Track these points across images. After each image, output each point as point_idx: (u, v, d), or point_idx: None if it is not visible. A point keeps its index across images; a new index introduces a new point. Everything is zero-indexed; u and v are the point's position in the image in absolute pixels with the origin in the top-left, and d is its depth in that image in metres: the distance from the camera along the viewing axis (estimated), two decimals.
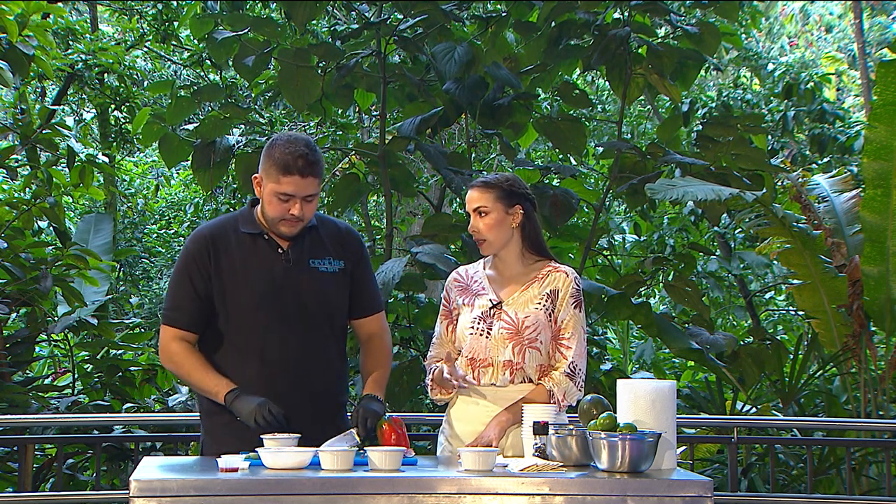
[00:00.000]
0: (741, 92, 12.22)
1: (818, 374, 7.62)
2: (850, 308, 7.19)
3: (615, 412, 3.25)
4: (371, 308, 3.80)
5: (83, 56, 9.12)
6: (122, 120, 10.07)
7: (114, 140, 10.21)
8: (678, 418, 3.53)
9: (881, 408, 7.14)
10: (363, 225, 9.89)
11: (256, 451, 3.13)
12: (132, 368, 6.77)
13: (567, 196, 6.46)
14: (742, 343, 7.44)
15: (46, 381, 7.28)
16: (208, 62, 9.29)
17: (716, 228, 9.18)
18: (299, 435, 3.30)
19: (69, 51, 9.23)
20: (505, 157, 8.48)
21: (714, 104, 11.26)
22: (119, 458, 6.24)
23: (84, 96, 10.40)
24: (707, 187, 6.12)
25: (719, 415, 7.18)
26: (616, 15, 6.95)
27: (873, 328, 7.40)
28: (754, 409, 7.31)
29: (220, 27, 6.83)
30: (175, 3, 9.75)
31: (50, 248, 6.81)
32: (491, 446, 3.49)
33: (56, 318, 6.70)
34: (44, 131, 6.87)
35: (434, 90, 6.86)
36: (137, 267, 13.44)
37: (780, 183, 8.41)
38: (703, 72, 9.60)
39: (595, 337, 8.35)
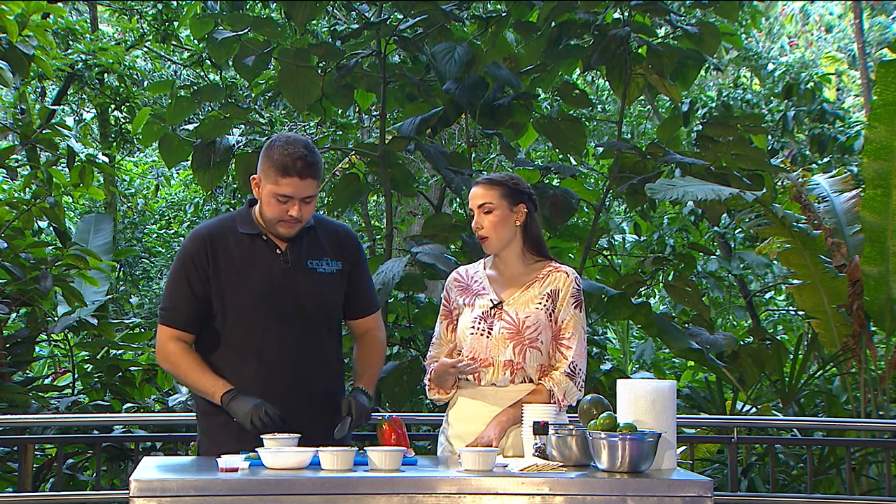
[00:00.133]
0: (741, 92, 12.23)
1: (818, 374, 7.62)
2: (850, 308, 7.19)
3: (615, 412, 3.25)
4: (368, 309, 3.82)
5: (83, 56, 9.12)
6: (122, 120, 10.07)
7: (114, 140, 10.21)
8: (678, 418, 3.53)
9: (881, 408, 7.14)
10: (363, 225, 9.89)
11: (256, 451, 3.13)
12: (132, 368, 6.77)
13: (567, 196, 6.46)
14: (742, 343, 7.44)
15: (46, 381, 7.28)
16: (208, 62, 9.29)
17: (716, 228, 9.19)
18: (299, 435, 3.30)
19: (69, 51, 9.23)
20: (505, 157, 8.48)
21: (714, 104, 11.27)
22: (119, 458, 6.24)
23: (84, 96, 10.40)
24: (707, 187, 6.12)
25: (719, 415, 7.18)
26: (616, 15, 6.95)
27: (873, 328, 7.40)
28: (754, 409, 7.31)
29: (220, 27, 6.83)
30: (175, 3, 9.75)
31: (50, 248, 6.81)
32: (491, 446, 3.49)
33: (56, 318, 6.70)
34: (44, 131, 6.86)
35: (434, 90, 6.86)
36: (137, 267, 13.44)
37: (780, 183, 8.41)
38: (703, 72, 9.60)
39: (595, 337, 8.36)
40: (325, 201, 8.54)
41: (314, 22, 8.75)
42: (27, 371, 7.68)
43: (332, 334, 3.72)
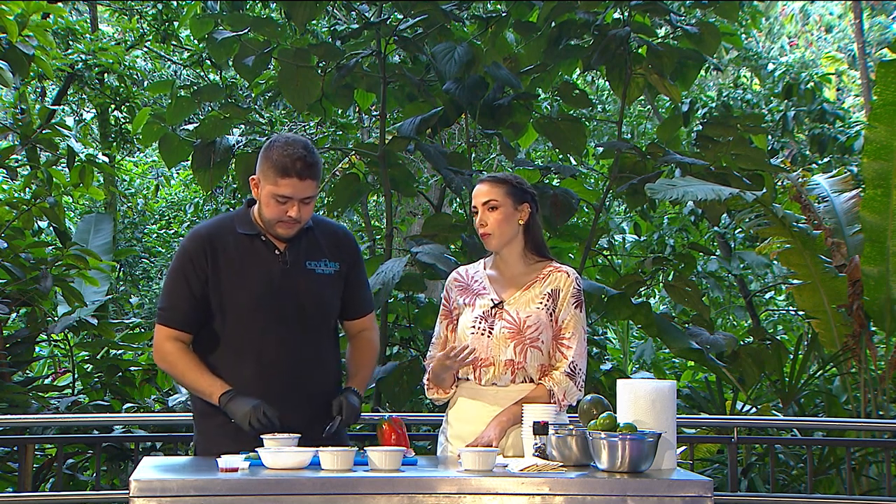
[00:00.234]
0: (741, 92, 12.23)
1: (818, 374, 7.62)
2: (850, 308, 7.19)
3: (615, 412, 3.25)
4: (363, 310, 3.83)
5: (83, 56, 9.12)
6: (122, 120, 10.07)
7: (114, 140, 10.21)
8: (678, 418, 3.53)
9: (881, 408, 7.14)
10: (363, 225, 9.89)
11: (256, 451, 3.13)
12: (132, 368, 6.77)
13: (567, 196, 6.46)
14: (742, 343, 7.44)
15: (46, 381, 7.28)
16: (208, 62, 9.29)
17: (716, 228, 9.19)
18: (300, 435, 3.30)
19: (69, 51, 9.23)
20: (505, 157, 8.48)
21: (714, 104, 11.27)
22: (119, 458, 6.24)
23: (84, 96, 10.40)
24: (707, 187, 6.12)
25: (719, 415, 7.18)
26: (616, 15, 6.95)
27: (873, 328, 7.40)
28: (754, 409, 7.31)
29: (220, 27, 6.83)
30: (175, 3, 9.75)
31: (50, 248, 6.81)
32: (491, 446, 3.49)
33: (56, 318, 6.70)
34: (44, 131, 6.86)
35: (434, 90, 6.86)
36: (137, 267, 13.44)
37: (780, 183, 8.41)
38: (703, 72, 9.60)
39: (595, 337, 8.36)
40: (325, 201, 8.54)
41: (314, 22, 8.75)
42: (27, 371, 7.68)
43: (329, 335, 3.73)
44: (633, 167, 6.80)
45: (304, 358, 3.61)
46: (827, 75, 13.82)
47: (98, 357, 6.86)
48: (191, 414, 3.78)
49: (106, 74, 9.53)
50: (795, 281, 7.72)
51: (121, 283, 12.57)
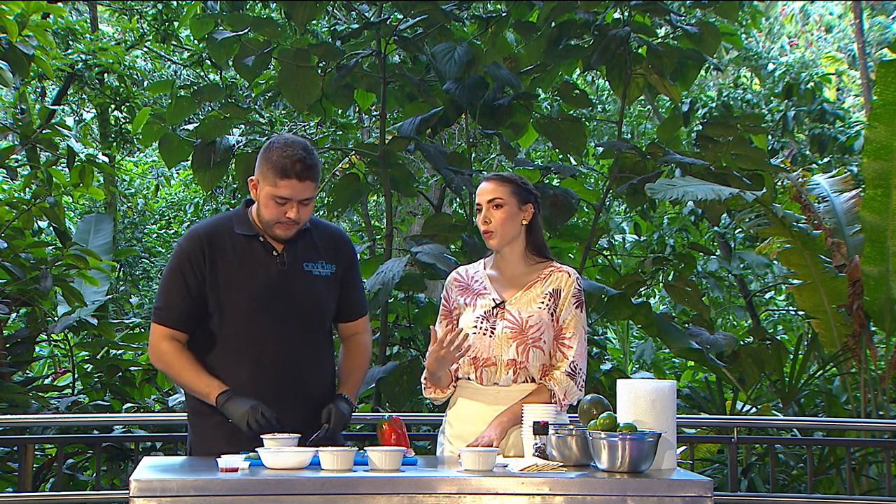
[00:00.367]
0: (741, 92, 12.23)
1: (818, 374, 7.62)
2: (850, 308, 7.19)
3: (615, 412, 3.25)
4: (358, 313, 3.84)
5: (83, 56, 9.12)
6: (122, 120, 10.07)
7: (114, 140, 10.21)
8: (678, 418, 3.53)
9: (881, 408, 7.14)
10: (363, 225, 9.89)
11: (256, 451, 3.13)
12: (132, 368, 6.77)
13: (567, 196, 6.46)
14: (742, 343, 7.44)
15: (46, 381, 7.28)
16: (208, 62, 9.29)
17: (716, 228, 9.19)
18: (299, 435, 3.30)
19: (69, 51, 9.23)
20: (505, 157, 8.48)
21: (714, 104, 11.27)
22: (119, 458, 6.24)
23: (84, 96, 10.40)
24: (707, 187, 6.13)
25: (719, 415, 7.18)
26: (616, 15, 6.95)
27: (873, 328, 7.40)
28: (754, 409, 7.31)
29: (220, 27, 6.83)
30: (175, 3, 9.75)
31: (50, 248, 6.81)
32: (492, 446, 3.49)
33: (56, 318, 6.70)
34: (44, 131, 6.86)
35: (434, 90, 6.86)
36: (137, 267, 13.44)
37: (780, 183, 8.41)
38: (703, 72, 9.60)
39: (595, 337, 8.36)
40: (325, 201, 8.54)
41: (314, 22, 8.75)
42: (27, 371, 7.67)
43: (325, 336, 3.74)
44: (633, 167, 6.80)
45: (300, 359, 3.62)
46: (827, 75, 13.81)
47: (98, 357, 6.86)
48: None
49: (106, 74, 9.53)
50: (795, 281, 7.72)
51: (121, 283, 12.57)
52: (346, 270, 3.75)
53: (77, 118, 11.85)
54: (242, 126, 7.71)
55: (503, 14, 7.03)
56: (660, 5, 6.77)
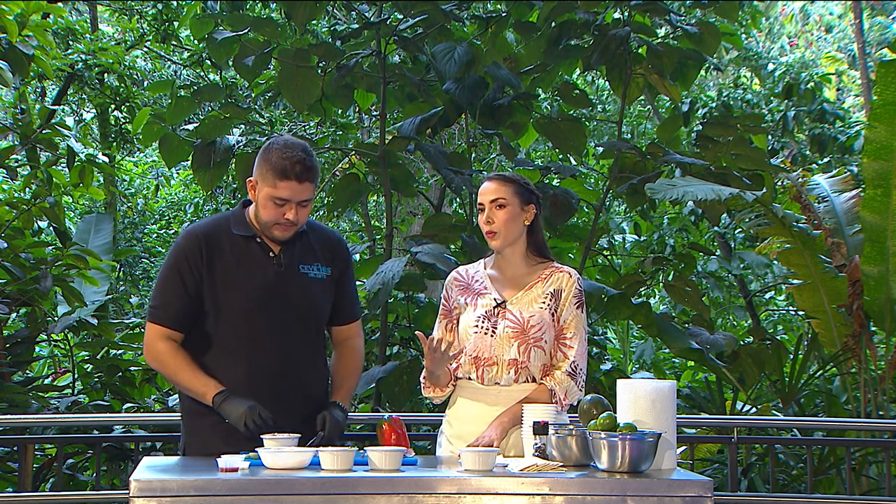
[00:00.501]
0: (741, 92, 12.23)
1: (818, 374, 7.62)
2: (850, 308, 7.19)
3: (615, 412, 3.25)
4: (351, 316, 3.84)
5: (83, 56, 9.11)
6: (122, 120, 10.07)
7: (114, 140, 10.21)
8: (678, 418, 3.53)
9: (881, 408, 7.14)
10: (363, 225, 9.89)
11: (256, 451, 3.13)
12: (132, 368, 6.77)
13: (567, 196, 6.46)
14: (742, 343, 7.44)
15: (46, 381, 7.28)
16: (208, 62, 9.29)
17: (716, 228, 9.19)
18: (300, 435, 3.30)
19: (69, 51, 9.23)
20: (505, 157, 8.48)
21: (714, 104, 11.27)
22: (119, 458, 6.24)
23: (84, 96, 10.40)
24: (707, 187, 6.12)
25: (719, 415, 7.18)
26: (616, 15, 6.95)
27: (873, 328, 7.40)
28: (754, 409, 7.31)
29: (220, 27, 6.83)
30: (175, 3, 9.75)
31: (50, 248, 6.81)
32: (492, 447, 3.49)
33: (56, 318, 6.70)
34: (44, 131, 6.86)
35: (434, 90, 6.86)
36: (137, 267, 13.44)
37: (780, 183, 8.41)
38: (703, 72, 9.60)
39: (595, 337, 8.36)
40: (325, 201, 8.54)
41: (314, 22, 8.75)
42: (27, 371, 7.67)
43: (319, 338, 3.75)
44: (633, 167, 6.80)
45: (299, 360, 3.62)
46: (827, 75, 13.82)
47: (98, 357, 6.86)
48: None
49: (106, 74, 9.53)
50: (795, 281, 7.72)
51: (121, 283, 12.57)
52: (342, 273, 3.76)
53: (77, 118, 11.85)
54: (242, 126, 7.71)
55: (503, 14, 7.03)
56: (660, 5, 6.77)
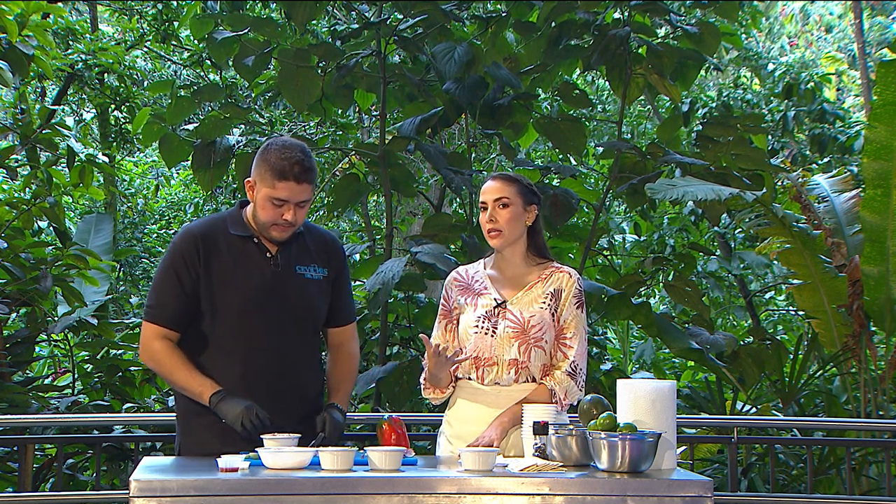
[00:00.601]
0: (741, 92, 12.23)
1: (818, 374, 7.62)
2: (850, 308, 7.19)
3: (615, 412, 3.25)
4: (346, 319, 3.84)
5: (83, 56, 9.11)
6: (122, 120, 10.07)
7: (114, 140, 10.21)
8: (678, 418, 3.53)
9: (881, 408, 7.14)
10: (363, 225, 9.89)
11: (256, 451, 3.13)
12: (132, 368, 6.77)
13: (567, 196, 6.46)
14: (742, 343, 7.44)
15: (46, 381, 7.28)
16: (208, 62, 9.29)
17: (716, 228, 9.19)
18: (300, 435, 3.30)
19: (69, 51, 9.23)
20: (505, 157, 8.48)
21: (714, 104, 11.27)
22: (119, 458, 6.24)
23: (84, 96, 10.40)
24: (707, 187, 6.13)
25: (719, 415, 7.18)
26: (616, 15, 6.95)
27: (873, 328, 7.40)
28: (754, 409, 7.31)
29: (220, 27, 6.83)
30: (175, 3, 9.75)
31: (50, 248, 6.81)
32: (492, 447, 3.49)
33: (56, 318, 6.70)
34: (44, 131, 6.86)
35: (434, 90, 6.86)
36: (137, 267, 13.43)
37: (780, 183, 8.41)
38: (703, 72, 9.60)
39: (595, 337, 8.36)
40: (325, 201, 8.54)
41: (314, 22, 8.75)
42: (27, 371, 7.67)
43: (315, 339, 3.75)
44: (633, 167, 6.80)
45: (296, 360, 3.62)
46: (827, 75, 13.82)
47: (98, 357, 6.86)
48: None
49: (106, 74, 9.53)
50: (795, 281, 7.72)
51: (121, 283, 12.56)
52: (338, 275, 3.76)
53: (77, 118, 11.85)
54: (242, 126, 7.71)
55: (503, 14, 7.03)
56: (660, 5, 6.77)
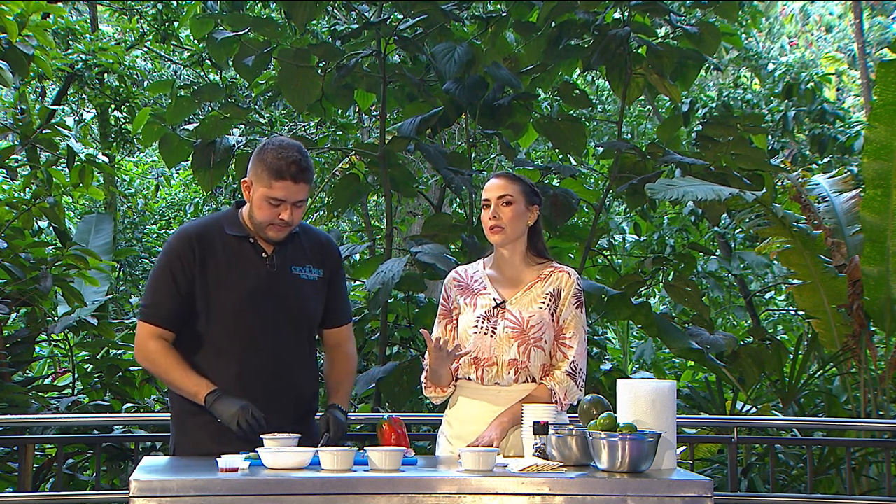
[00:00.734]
0: (741, 92, 12.23)
1: (818, 374, 7.62)
2: (850, 308, 7.19)
3: (615, 412, 3.25)
4: (342, 319, 3.84)
5: (83, 56, 9.12)
6: (122, 120, 10.07)
7: (114, 140, 10.21)
8: (678, 418, 3.53)
9: (881, 408, 7.14)
10: (363, 225, 9.88)
11: (256, 451, 3.13)
12: (132, 368, 6.77)
13: (567, 196, 6.46)
14: (742, 343, 7.44)
15: (46, 381, 7.28)
16: (208, 62, 9.29)
17: (716, 228, 9.19)
18: (300, 435, 3.30)
19: (69, 51, 9.23)
20: (505, 157, 8.48)
21: (714, 104, 11.27)
22: (119, 458, 6.24)
23: (84, 96, 10.40)
24: (707, 187, 6.13)
25: (719, 415, 7.18)
26: (616, 15, 6.95)
27: (873, 328, 7.40)
28: (754, 409, 7.31)
29: (220, 27, 6.83)
30: (175, 3, 9.75)
31: (50, 248, 6.81)
32: (492, 447, 3.49)
33: (56, 318, 6.70)
34: (44, 131, 6.86)
35: (434, 90, 6.86)
36: (137, 267, 13.43)
37: (780, 183, 8.41)
38: (703, 72, 9.60)
39: (595, 337, 8.36)
40: (325, 201, 8.53)
41: (314, 22, 8.75)
42: (27, 371, 7.67)
43: (310, 340, 3.75)
44: (633, 167, 6.80)
45: (291, 361, 3.62)
46: (827, 75, 13.82)
47: (98, 357, 6.86)
48: None
49: (106, 74, 9.53)
50: (795, 281, 7.72)
51: (121, 283, 12.56)
52: (333, 275, 3.76)
53: (77, 118, 11.85)
54: (242, 126, 7.72)
55: (503, 14, 7.03)
56: (660, 5, 6.77)
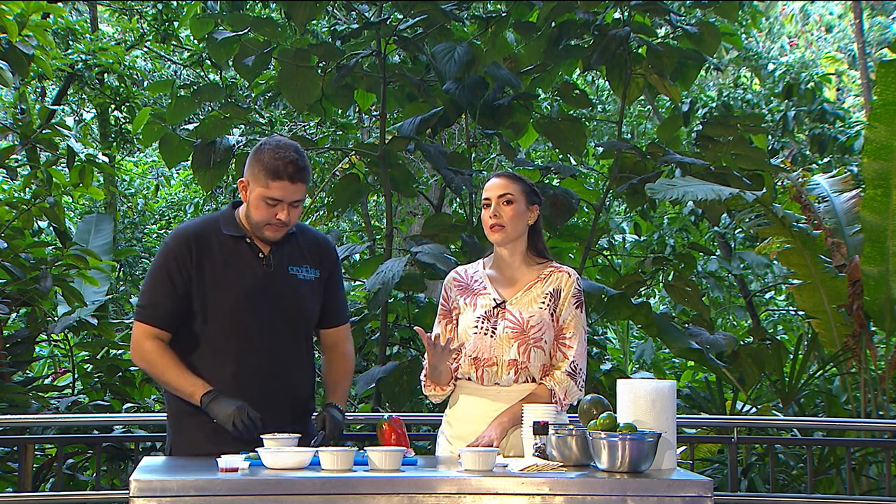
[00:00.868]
0: (741, 92, 12.23)
1: (818, 374, 7.62)
2: (850, 308, 7.19)
3: (615, 412, 3.25)
4: (339, 320, 3.84)
5: (83, 56, 9.11)
6: (122, 120, 10.06)
7: (114, 140, 10.21)
8: (678, 418, 3.53)
9: (881, 408, 7.14)
10: (363, 225, 9.88)
11: (256, 451, 3.13)
12: (132, 368, 6.76)
13: (567, 196, 6.46)
14: (742, 343, 7.44)
15: (46, 381, 7.28)
16: (208, 62, 9.29)
17: (716, 228, 9.19)
18: (299, 435, 3.30)
19: (69, 51, 9.22)
20: (505, 157, 8.48)
21: (714, 104, 11.27)
22: (119, 458, 6.24)
23: (84, 96, 10.39)
24: (707, 187, 6.13)
25: (719, 415, 7.18)
26: (616, 15, 6.95)
27: (873, 328, 7.40)
28: (754, 409, 7.31)
29: (220, 27, 6.84)
30: (175, 3, 9.75)
31: (50, 248, 6.81)
32: (492, 447, 3.49)
33: (56, 318, 6.70)
34: (44, 131, 6.86)
35: (434, 90, 6.86)
36: (137, 267, 13.43)
37: (780, 183, 8.41)
38: (703, 72, 9.60)
39: (595, 337, 8.36)
40: (325, 201, 8.53)
41: (314, 22, 8.75)
42: (27, 371, 7.67)
43: (307, 340, 3.74)
44: (633, 167, 6.80)
45: (288, 361, 3.62)
46: (827, 75, 13.82)
47: (98, 357, 6.86)
48: None
49: (106, 74, 9.53)
50: (795, 281, 7.72)
51: (121, 283, 12.56)
52: (330, 276, 3.76)
53: (77, 118, 11.84)
54: (242, 126, 7.71)
55: (503, 14, 7.03)
56: (660, 5, 6.77)
